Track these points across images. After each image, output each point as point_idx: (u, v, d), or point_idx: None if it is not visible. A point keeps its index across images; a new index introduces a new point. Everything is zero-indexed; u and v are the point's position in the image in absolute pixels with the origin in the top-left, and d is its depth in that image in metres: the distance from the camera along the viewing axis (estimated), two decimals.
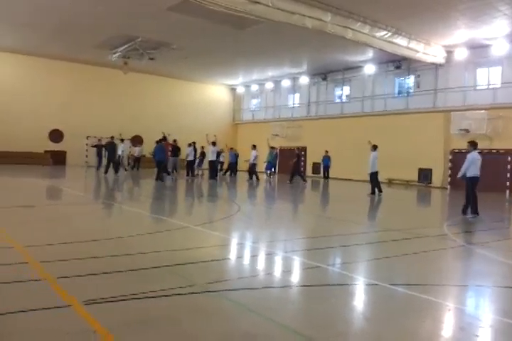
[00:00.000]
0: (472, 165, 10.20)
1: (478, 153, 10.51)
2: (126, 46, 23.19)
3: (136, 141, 28.05)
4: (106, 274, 4.23)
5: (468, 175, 10.19)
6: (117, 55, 24.51)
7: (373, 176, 15.36)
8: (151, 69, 28.85)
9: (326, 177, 25.61)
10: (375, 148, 15.48)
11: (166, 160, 18.83)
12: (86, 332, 2.89)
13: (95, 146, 24.31)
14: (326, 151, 26.11)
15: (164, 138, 20.03)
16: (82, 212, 8.90)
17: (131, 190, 15.65)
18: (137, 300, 3.52)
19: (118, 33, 21.39)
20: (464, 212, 10.30)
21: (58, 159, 27.70)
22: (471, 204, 10.17)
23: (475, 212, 10.07)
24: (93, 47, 24.22)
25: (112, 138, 21.31)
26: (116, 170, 20.82)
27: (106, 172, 20.40)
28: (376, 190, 15.26)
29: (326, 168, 25.88)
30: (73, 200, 10.90)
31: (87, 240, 5.83)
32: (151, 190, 14.95)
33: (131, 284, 3.97)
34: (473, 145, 10.57)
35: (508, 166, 20.08)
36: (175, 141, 20.66)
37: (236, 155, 25.04)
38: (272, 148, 23.70)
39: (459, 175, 10.49)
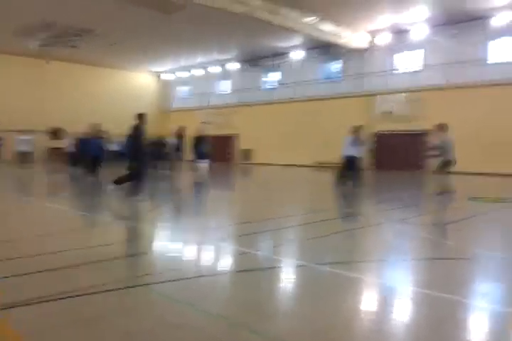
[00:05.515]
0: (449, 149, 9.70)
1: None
2: (46, 34, 21.84)
3: (60, 133, 26.03)
4: (26, 275, 4.01)
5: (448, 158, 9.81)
6: (37, 43, 23.06)
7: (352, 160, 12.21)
8: (75, 57, 27.43)
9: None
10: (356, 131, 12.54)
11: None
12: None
13: None
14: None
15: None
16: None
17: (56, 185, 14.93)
18: (62, 300, 3.38)
19: (37, 19, 20.04)
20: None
21: None
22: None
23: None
24: (11, 36, 22.59)
25: None
26: None
27: None
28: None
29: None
30: None
31: (1, 240, 5.50)
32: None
33: (55, 284, 3.79)
34: (442, 128, 9.87)
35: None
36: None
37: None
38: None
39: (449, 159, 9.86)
